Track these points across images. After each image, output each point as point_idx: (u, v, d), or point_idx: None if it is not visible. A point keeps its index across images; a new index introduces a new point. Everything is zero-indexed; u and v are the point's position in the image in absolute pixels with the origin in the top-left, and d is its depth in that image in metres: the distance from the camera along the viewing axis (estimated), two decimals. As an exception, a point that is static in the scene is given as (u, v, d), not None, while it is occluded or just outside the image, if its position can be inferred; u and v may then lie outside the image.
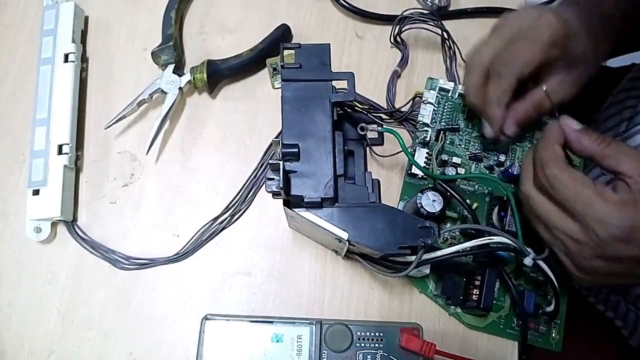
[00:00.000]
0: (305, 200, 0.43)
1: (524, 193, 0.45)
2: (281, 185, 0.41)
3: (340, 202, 0.44)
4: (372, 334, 0.48)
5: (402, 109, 0.58)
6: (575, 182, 0.42)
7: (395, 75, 0.60)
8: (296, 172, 0.44)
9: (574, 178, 0.42)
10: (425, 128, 0.56)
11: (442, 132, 0.55)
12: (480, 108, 0.51)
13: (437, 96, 0.57)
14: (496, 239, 0.47)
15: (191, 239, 0.55)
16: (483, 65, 0.49)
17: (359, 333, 0.48)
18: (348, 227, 0.43)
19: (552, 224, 0.43)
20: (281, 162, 0.41)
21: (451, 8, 0.63)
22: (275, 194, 0.44)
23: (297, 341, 0.48)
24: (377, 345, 0.48)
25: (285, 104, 0.45)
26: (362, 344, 0.48)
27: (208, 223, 0.56)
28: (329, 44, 0.47)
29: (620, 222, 0.39)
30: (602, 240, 0.40)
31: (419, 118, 0.56)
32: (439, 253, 0.47)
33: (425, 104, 0.56)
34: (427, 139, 0.55)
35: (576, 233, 0.42)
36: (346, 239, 0.43)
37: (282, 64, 0.46)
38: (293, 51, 0.47)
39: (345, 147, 0.48)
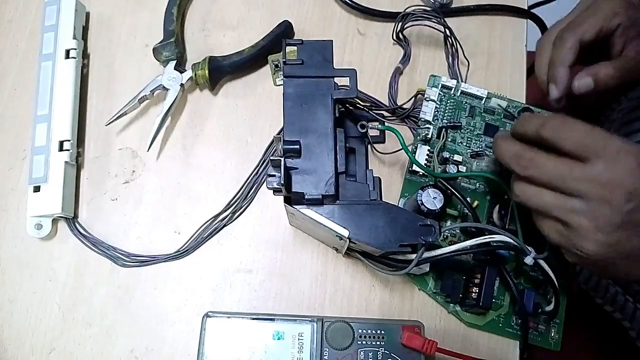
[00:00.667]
0: (306, 197, 0.43)
1: (534, 161, 0.42)
2: (282, 182, 0.41)
3: (341, 199, 0.44)
4: (374, 331, 0.48)
5: (404, 106, 0.57)
6: (583, 124, 0.41)
7: (398, 72, 0.59)
8: (297, 168, 0.43)
9: (579, 122, 0.41)
10: (427, 125, 0.56)
11: (443, 129, 0.55)
12: (547, 76, 0.53)
13: (439, 93, 0.57)
14: (497, 237, 0.47)
15: (192, 236, 0.55)
16: (550, 42, 0.53)
17: (360, 331, 0.48)
18: (349, 225, 0.43)
19: (570, 177, 0.40)
20: (282, 159, 0.41)
21: (453, 5, 0.62)
22: (276, 191, 0.44)
23: (299, 339, 0.48)
24: (378, 342, 0.47)
25: (287, 100, 0.45)
26: (364, 342, 0.48)
27: (209, 220, 0.55)
28: (332, 40, 0.46)
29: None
30: (630, 169, 0.39)
31: (421, 115, 0.56)
32: (439, 251, 0.47)
33: (427, 101, 0.56)
34: (429, 136, 0.55)
35: (602, 174, 0.39)
36: (347, 236, 0.43)
37: (284, 60, 0.46)
38: (295, 47, 0.46)
39: (347, 145, 0.48)
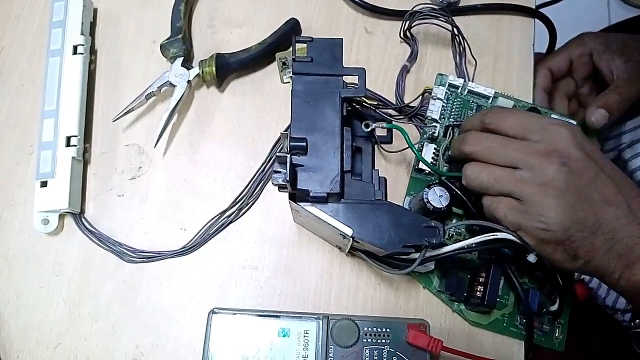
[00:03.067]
0: (311, 194, 0.43)
1: (479, 139, 0.47)
2: (287, 179, 0.41)
3: (346, 198, 0.44)
4: (379, 329, 0.48)
5: (411, 105, 0.57)
6: (519, 110, 0.50)
7: (405, 71, 0.59)
8: (303, 166, 0.43)
9: (515, 109, 0.52)
10: (434, 124, 0.56)
11: (450, 128, 0.55)
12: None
13: (446, 92, 0.57)
14: (500, 235, 0.46)
15: (198, 232, 0.55)
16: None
17: (365, 328, 0.48)
18: (353, 224, 0.43)
19: (512, 149, 0.45)
20: (288, 155, 0.41)
21: (461, 4, 0.62)
22: (281, 187, 0.43)
23: (304, 336, 0.48)
24: (383, 340, 0.48)
25: (295, 97, 0.45)
26: (369, 340, 0.48)
27: (215, 217, 0.55)
28: (342, 38, 0.46)
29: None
30: (562, 137, 0.43)
31: (428, 114, 0.56)
32: (442, 250, 0.47)
33: (434, 99, 0.56)
34: (435, 134, 0.55)
35: (538, 144, 0.44)
36: (350, 235, 0.43)
37: (293, 57, 0.46)
38: (305, 45, 0.46)
39: (354, 144, 0.48)
